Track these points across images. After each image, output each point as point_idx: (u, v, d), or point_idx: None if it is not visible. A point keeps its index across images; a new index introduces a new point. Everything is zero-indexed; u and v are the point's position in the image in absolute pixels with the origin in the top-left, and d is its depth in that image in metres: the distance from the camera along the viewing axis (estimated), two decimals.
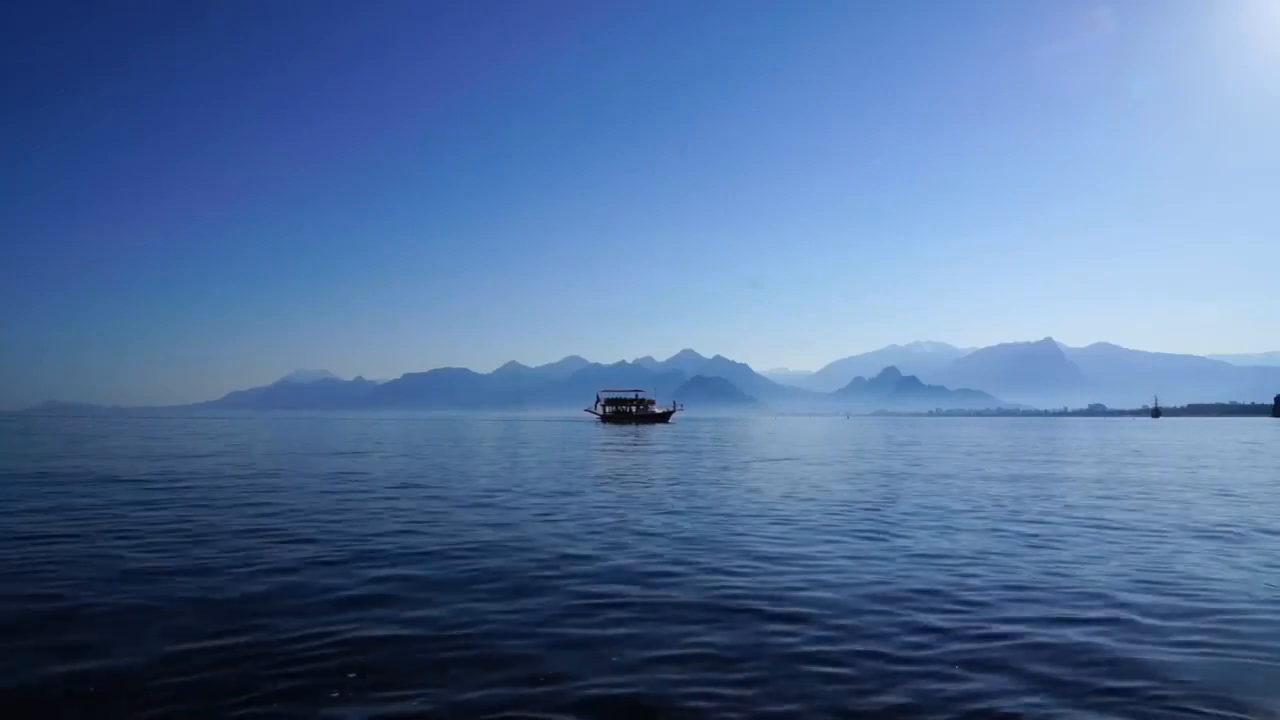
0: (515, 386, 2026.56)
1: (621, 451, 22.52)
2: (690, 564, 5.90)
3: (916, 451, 23.33)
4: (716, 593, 4.95)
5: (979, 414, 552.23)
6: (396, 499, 10.20)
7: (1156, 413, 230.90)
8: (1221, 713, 3.11)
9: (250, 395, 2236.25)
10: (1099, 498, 10.81)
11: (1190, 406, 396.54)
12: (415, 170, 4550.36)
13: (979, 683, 3.39)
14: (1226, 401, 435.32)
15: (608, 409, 74.04)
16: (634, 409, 73.26)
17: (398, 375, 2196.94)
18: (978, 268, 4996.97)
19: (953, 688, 3.33)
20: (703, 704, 3.17)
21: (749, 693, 3.29)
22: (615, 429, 49.69)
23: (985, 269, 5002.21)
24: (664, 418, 74.77)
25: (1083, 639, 3.99)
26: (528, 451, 22.13)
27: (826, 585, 5.13)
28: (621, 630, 4.11)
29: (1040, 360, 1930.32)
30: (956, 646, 3.85)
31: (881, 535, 7.31)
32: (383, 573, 5.49)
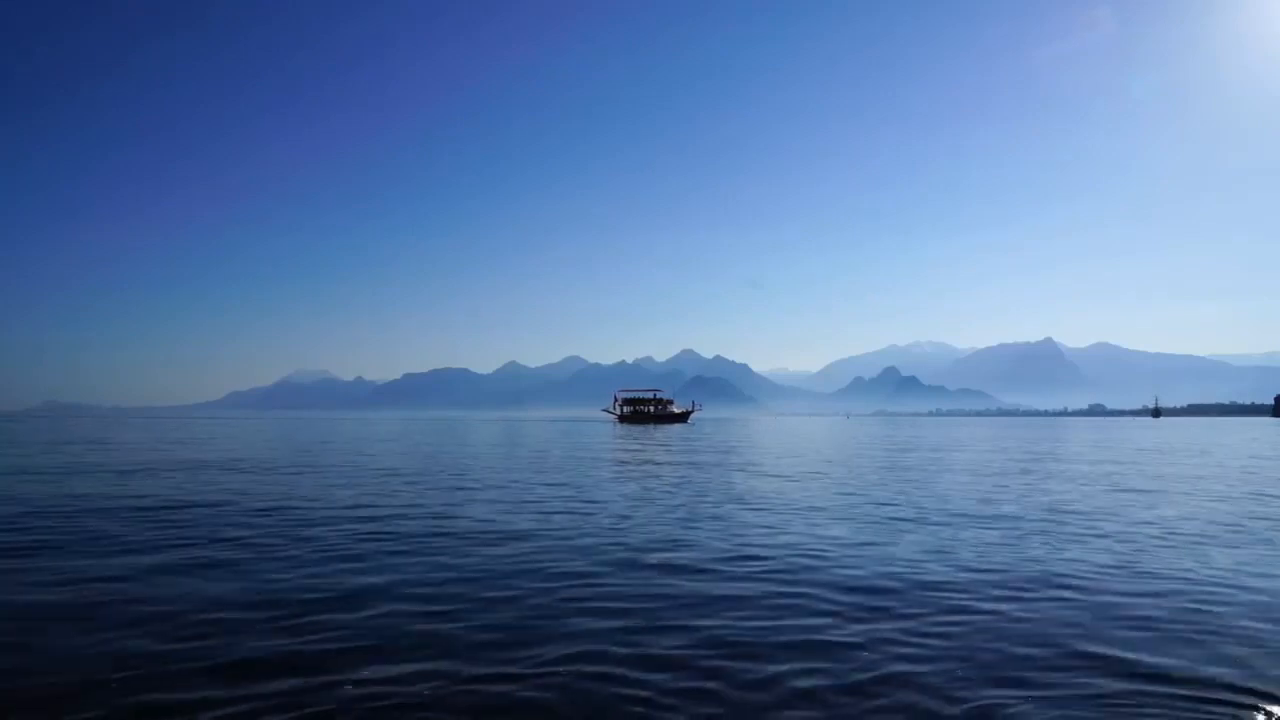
0: (515, 386, 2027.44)
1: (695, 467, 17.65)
2: None
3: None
4: None
5: (979, 414, 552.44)
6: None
7: (1157, 413, 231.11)
8: None
9: (250, 395, 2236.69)
10: None
11: (1190, 406, 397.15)
12: (415, 170, 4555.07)
13: None
14: (1226, 401, 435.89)
15: (625, 409, 73.70)
16: (652, 409, 72.78)
17: (398, 375, 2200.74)
18: (978, 268, 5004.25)
19: None
20: None
21: None
22: (636, 429, 48.76)
23: (985, 269, 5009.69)
24: (683, 418, 74.06)
25: None
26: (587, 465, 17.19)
27: None
28: None
29: (1040, 360, 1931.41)
30: None
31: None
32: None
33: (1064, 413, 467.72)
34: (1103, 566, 5.79)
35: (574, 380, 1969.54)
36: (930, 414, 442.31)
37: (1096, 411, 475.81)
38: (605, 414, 79.20)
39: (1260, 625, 4.26)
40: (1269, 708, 3.16)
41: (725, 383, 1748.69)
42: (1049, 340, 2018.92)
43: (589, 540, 6.96)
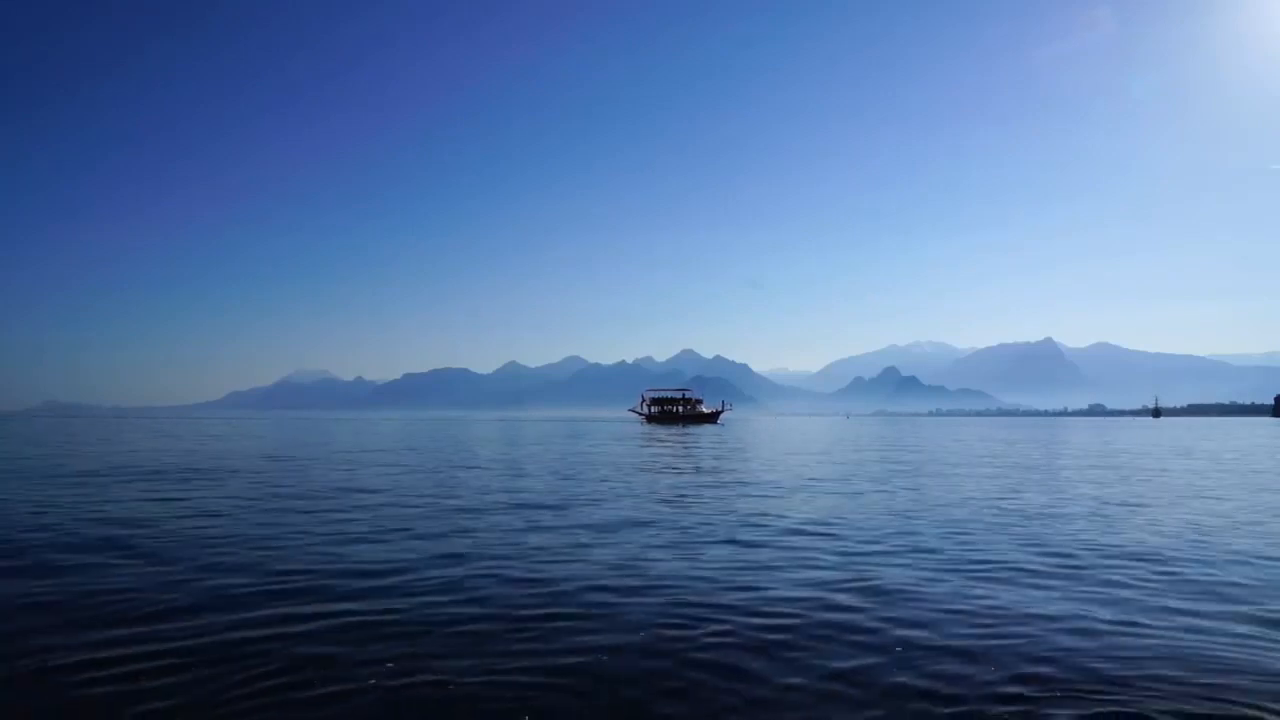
0: (515, 386, 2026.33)
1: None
2: None
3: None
4: None
5: (979, 414, 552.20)
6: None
7: (1157, 413, 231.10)
8: None
9: (250, 395, 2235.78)
10: None
11: (1190, 406, 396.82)
12: (415, 170, 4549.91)
13: None
14: (1226, 401, 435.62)
15: (653, 409, 72.44)
16: (680, 409, 71.44)
17: (398, 375, 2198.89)
18: (978, 268, 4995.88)
19: None
20: None
21: None
22: (666, 430, 47.25)
23: (985, 269, 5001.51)
24: (712, 418, 72.49)
25: None
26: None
27: None
28: None
29: (1040, 360, 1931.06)
30: None
31: None
32: None
33: (1064, 413, 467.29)
34: None
35: (574, 380, 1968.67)
36: (930, 414, 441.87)
37: (1096, 411, 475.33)
38: (632, 414, 77.75)
39: None
40: None
41: (725, 383, 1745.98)
42: (1049, 340, 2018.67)
43: None
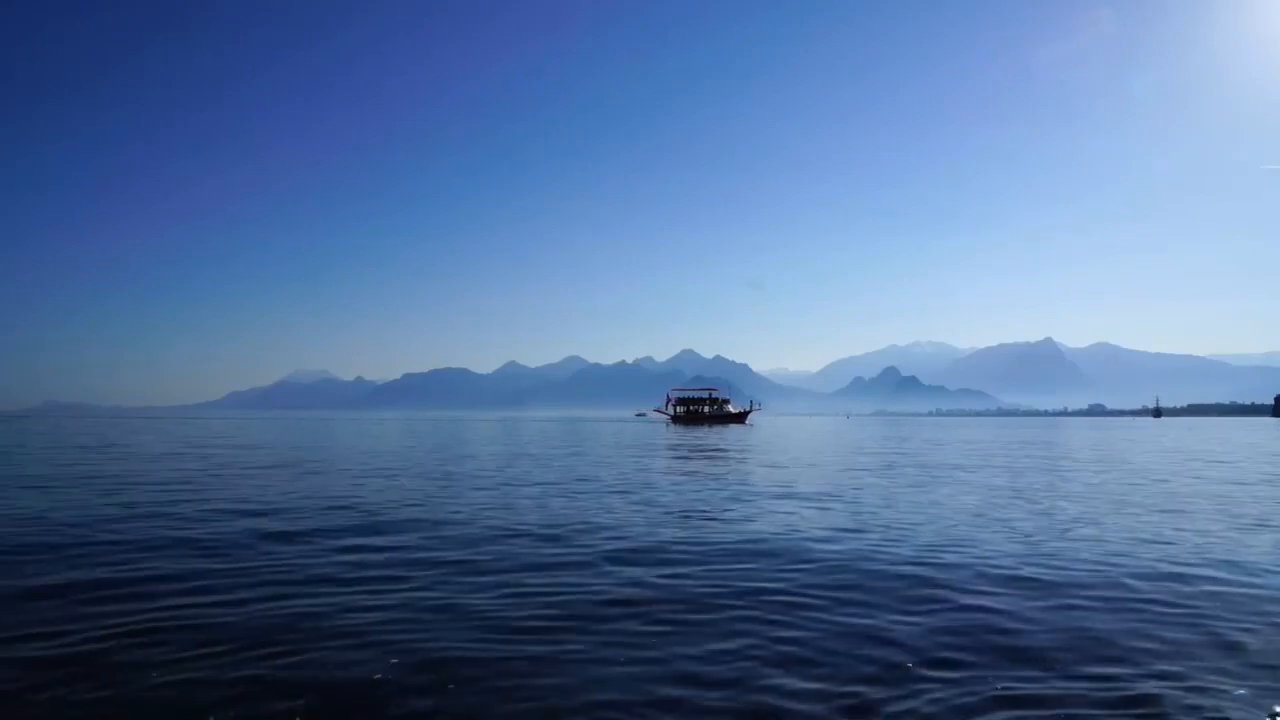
0: (515, 386, 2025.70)
1: None
2: None
3: None
4: None
5: (979, 414, 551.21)
6: None
7: (1158, 413, 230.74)
8: None
9: (250, 395, 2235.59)
10: None
11: (1190, 406, 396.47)
12: (415, 170, 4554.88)
13: None
14: (1226, 401, 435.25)
15: (679, 409, 71.20)
16: (707, 409, 70.12)
17: (397, 375, 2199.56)
18: (978, 268, 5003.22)
19: None
20: None
21: None
22: (694, 430, 45.12)
23: (985, 269, 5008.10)
24: (740, 418, 70.71)
25: None
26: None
27: None
28: None
29: (1040, 360, 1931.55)
30: None
31: None
32: None
33: (1064, 413, 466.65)
34: None
35: (574, 380, 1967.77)
36: (930, 414, 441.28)
37: (1096, 411, 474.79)
38: (657, 414, 76.20)
39: None
40: None
41: (725, 383, 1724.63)
42: (1049, 340, 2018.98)
43: None
